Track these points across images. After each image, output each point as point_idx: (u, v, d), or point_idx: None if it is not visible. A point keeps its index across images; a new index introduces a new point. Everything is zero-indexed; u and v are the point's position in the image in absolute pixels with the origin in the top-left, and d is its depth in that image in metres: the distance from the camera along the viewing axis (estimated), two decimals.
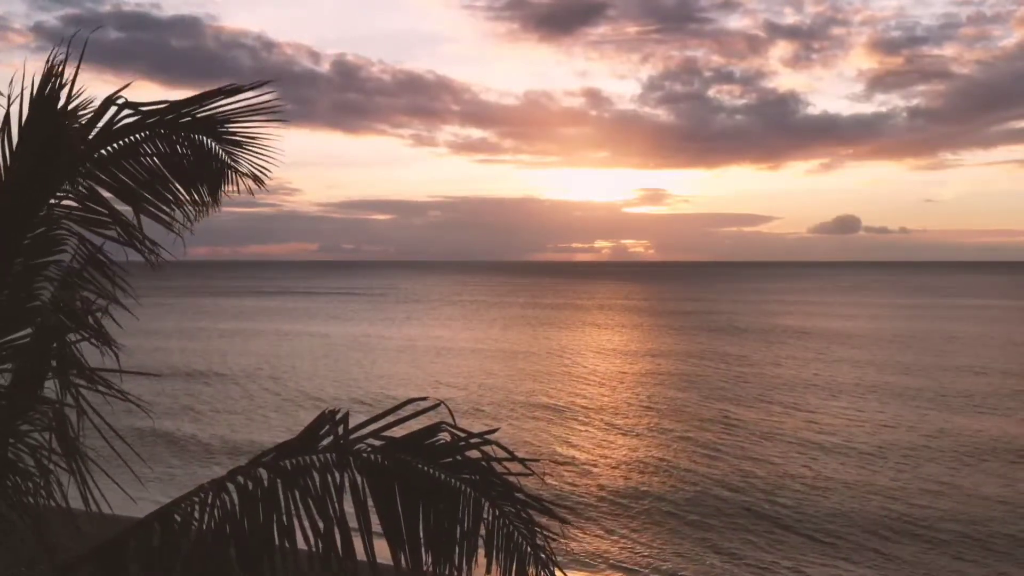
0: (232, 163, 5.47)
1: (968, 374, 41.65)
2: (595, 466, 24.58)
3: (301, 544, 4.40)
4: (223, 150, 5.41)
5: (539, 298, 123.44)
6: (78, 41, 4.88)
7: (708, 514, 20.01)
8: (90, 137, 5.10)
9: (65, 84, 5.13)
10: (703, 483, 22.60)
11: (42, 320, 4.91)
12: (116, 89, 5.15)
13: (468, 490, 4.25)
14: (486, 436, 4.23)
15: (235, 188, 5.59)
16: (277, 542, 4.44)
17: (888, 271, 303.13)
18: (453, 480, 4.25)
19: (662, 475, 23.55)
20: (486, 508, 4.27)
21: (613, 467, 24.54)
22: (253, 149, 5.44)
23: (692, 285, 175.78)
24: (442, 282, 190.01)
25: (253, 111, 5.22)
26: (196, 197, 5.48)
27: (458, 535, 4.28)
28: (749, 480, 22.80)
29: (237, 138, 5.38)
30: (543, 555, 4.33)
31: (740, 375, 41.94)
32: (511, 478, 4.28)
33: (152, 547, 4.63)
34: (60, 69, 5.10)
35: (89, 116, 5.13)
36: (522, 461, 4.25)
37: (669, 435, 28.37)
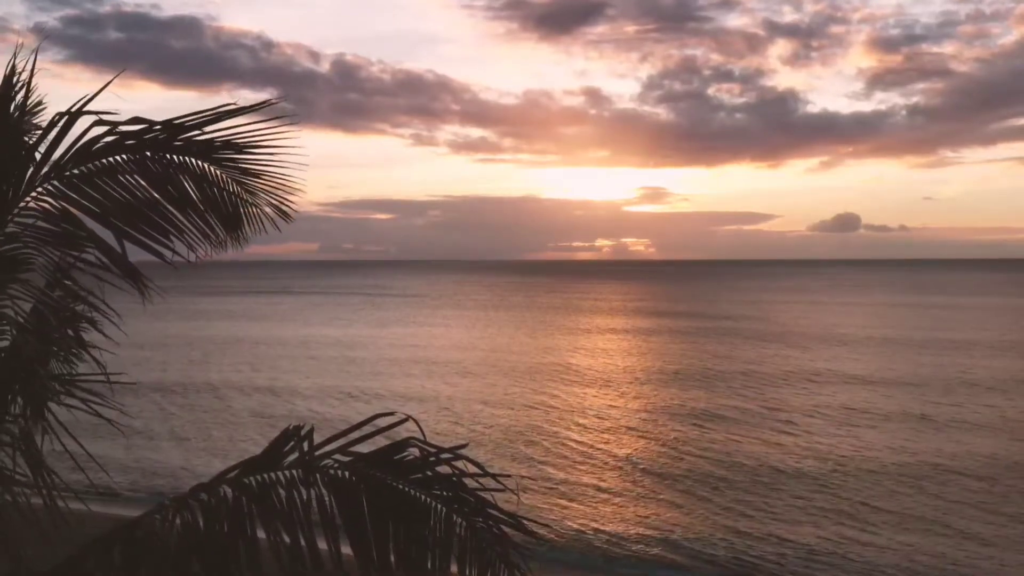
0: (247, 194, 4.82)
1: (956, 375, 41.47)
2: (577, 471, 24.39)
3: (265, 559, 4.29)
4: (232, 179, 4.76)
5: (536, 297, 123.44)
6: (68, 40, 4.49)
7: (692, 522, 19.86)
8: (56, 152, 4.62)
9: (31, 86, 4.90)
10: (685, 487, 22.47)
11: (11, 340, 4.76)
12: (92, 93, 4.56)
13: (439, 506, 4.10)
14: (456, 451, 4.08)
15: (258, 223, 4.92)
16: (243, 558, 4.31)
17: (888, 269, 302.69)
18: (423, 496, 4.10)
19: (641, 478, 23.45)
20: (458, 524, 4.11)
21: (593, 474, 24.36)
22: (269, 177, 4.75)
23: (691, 284, 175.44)
24: (441, 281, 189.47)
25: (261, 133, 4.55)
26: (207, 229, 4.78)
27: (428, 552, 4.12)
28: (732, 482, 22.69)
29: (244, 166, 4.71)
30: (517, 572, 4.17)
31: (731, 375, 41.70)
32: (483, 494, 4.12)
33: (112, 564, 4.53)
34: (23, 70, 4.87)
35: (57, 128, 4.58)
36: (494, 476, 4.10)
37: (651, 440, 28.13)
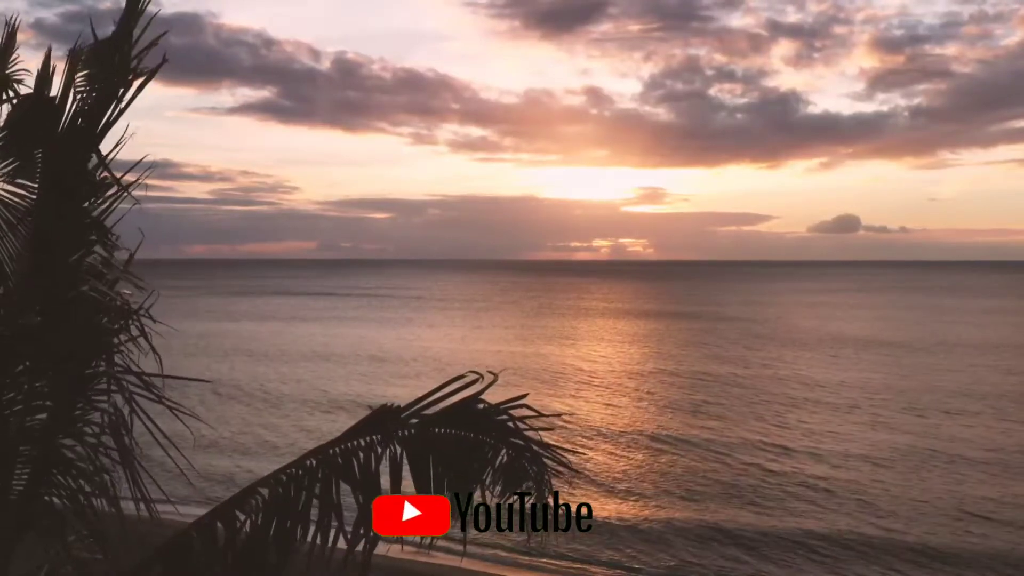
0: None
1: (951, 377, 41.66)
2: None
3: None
4: None
5: (533, 297, 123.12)
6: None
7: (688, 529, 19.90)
8: None
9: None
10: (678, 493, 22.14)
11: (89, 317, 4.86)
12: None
13: (491, 440, 4.73)
14: (515, 401, 4.69)
15: None
16: (315, 522, 4.71)
17: (887, 270, 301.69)
18: (480, 436, 4.73)
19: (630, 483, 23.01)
20: (503, 453, 4.75)
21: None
22: None
23: (688, 285, 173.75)
24: (440, 281, 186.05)
25: None
26: None
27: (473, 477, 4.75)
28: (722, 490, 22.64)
29: None
30: (548, 489, 4.81)
31: (727, 376, 41.82)
32: (535, 434, 4.75)
33: (215, 546, 4.82)
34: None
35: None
36: (544, 416, 4.74)
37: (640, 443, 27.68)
